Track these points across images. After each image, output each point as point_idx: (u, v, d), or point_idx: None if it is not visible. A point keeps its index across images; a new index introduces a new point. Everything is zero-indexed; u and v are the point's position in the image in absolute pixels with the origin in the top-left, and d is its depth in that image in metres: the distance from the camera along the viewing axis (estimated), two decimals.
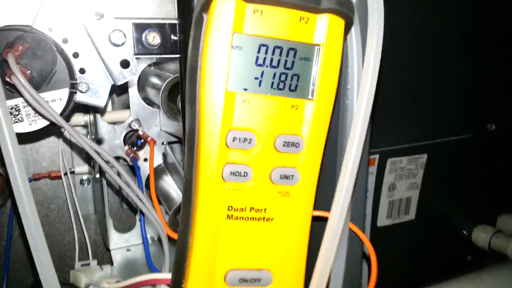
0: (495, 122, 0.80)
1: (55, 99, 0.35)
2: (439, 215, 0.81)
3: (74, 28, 0.34)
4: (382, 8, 0.29)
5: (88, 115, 0.50)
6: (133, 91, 0.49)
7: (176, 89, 0.42)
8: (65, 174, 0.54)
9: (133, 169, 0.53)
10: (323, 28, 0.29)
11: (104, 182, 0.51)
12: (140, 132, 0.49)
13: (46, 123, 0.35)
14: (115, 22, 0.34)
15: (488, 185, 0.84)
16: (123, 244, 0.53)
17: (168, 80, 0.40)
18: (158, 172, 0.52)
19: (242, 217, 0.30)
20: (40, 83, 0.34)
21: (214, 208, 0.30)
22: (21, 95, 0.32)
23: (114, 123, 0.49)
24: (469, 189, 0.83)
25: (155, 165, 0.52)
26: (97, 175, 0.55)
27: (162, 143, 0.52)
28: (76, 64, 0.35)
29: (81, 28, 0.34)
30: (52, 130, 0.55)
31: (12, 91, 0.34)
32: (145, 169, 0.50)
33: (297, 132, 0.30)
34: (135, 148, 0.50)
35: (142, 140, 0.49)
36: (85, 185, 0.59)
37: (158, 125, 0.51)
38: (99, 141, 0.50)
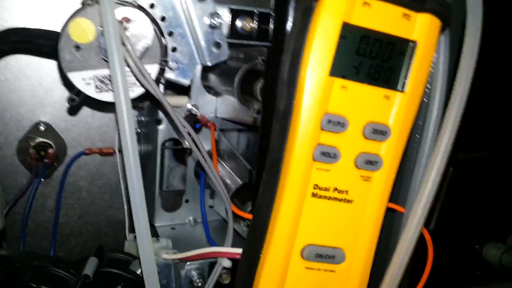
0: None
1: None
2: (455, 228, 0.83)
3: (174, 7, 0.36)
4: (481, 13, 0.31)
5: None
6: (197, 78, 0.51)
7: (249, 77, 0.44)
8: (119, 151, 0.55)
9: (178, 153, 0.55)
10: (422, 26, 0.31)
11: (158, 161, 0.53)
12: (199, 117, 0.51)
13: (137, 94, 0.37)
14: (214, 5, 0.36)
15: (504, 204, 0.87)
16: (168, 222, 0.55)
17: (246, 66, 0.42)
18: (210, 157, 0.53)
19: (326, 196, 0.32)
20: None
21: (301, 185, 0.31)
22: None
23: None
24: (486, 206, 0.85)
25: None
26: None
27: (215, 130, 0.54)
28: (170, 42, 0.37)
29: (180, 8, 0.36)
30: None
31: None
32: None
33: (386, 122, 0.32)
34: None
35: (200, 124, 0.51)
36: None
37: (213, 111, 0.53)
38: (158, 122, 0.52)
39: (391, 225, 0.38)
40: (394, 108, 0.32)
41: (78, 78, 0.36)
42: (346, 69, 0.31)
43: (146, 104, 0.55)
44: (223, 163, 0.53)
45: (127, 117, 0.30)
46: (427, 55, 0.32)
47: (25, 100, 0.56)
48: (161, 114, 0.51)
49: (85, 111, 0.58)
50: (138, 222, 0.32)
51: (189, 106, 0.51)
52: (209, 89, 0.53)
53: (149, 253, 0.32)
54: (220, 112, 0.52)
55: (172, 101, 0.52)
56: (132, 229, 0.55)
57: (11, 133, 0.56)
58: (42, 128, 0.56)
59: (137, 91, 0.37)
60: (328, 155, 0.32)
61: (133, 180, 0.31)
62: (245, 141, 0.54)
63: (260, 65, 0.43)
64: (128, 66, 0.34)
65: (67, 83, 0.37)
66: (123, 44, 0.33)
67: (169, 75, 0.38)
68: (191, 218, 0.56)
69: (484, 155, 0.81)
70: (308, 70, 0.30)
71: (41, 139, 0.56)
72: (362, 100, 0.31)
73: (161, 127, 0.52)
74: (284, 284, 0.32)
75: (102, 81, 0.36)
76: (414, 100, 0.32)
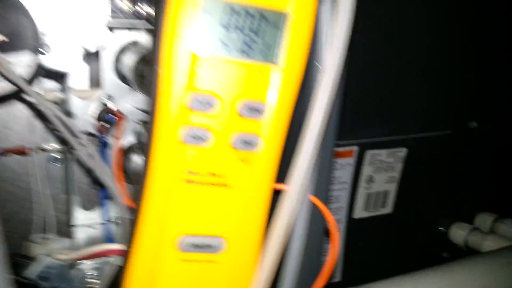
0: (476, 119, 0.81)
1: (19, 63, 0.34)
2: (416, 210, 0.81)
3: None
4: None
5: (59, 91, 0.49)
6: (106, 67, 0.48)
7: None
8: (37, 150, 0.53)
9: None
10: None
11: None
12: (113, 109, 0.48)
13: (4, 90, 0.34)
14: None
15: (468, 183, 0.85)
16: (87, 222, 0.52)
17: (143, 54, 0.40)
18: (128, 151, 0.51)
19: (199, 182, 0.30)
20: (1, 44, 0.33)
21: (170, 170, 0.29)
22: None
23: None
24: (448, 186, 0.83)
25: (126, 144, 0.51)
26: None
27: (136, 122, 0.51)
28: (43, 27, 0.34)
29: None
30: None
31: None
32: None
33: (261, 98, 0.30)
34: (108, 125, 0.49)
35: (114, 117, 0.48)
36: (57, 164, 0.58)
37: (133, 103, 0.50)
38: (68, 116, 0.49)
39: None
40: (270, 83, 0.30)
41: None
42: (212, 44, 0.28)
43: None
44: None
45: None
46: (304, 25, 0.29)
47: None
48: (73, 109, 0.48)
49: None
50: None
51: (102, 97, 0.49)
52: (126, 80, 0.50)
53: None
54: (139, 102, 0.50)
55: (83, 93, 0.49)
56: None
57: None
58: None
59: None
60: (198, 137, 0.29)
61: None
62: None
63: None
64: None
65: None
66: None
67: (46, 63, 0.35)
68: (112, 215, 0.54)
69: (441, 132, 0.79)
70: (169, 46, 0.28)
71: None
72: (233, 76, 0.29)
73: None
74: (157, 279, 0.30)
75: None
76: (292, 75, 0.30)
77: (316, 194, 0.35)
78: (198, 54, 0.28)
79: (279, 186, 0.31)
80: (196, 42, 0.28)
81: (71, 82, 0.48)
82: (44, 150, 0.55)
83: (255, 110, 0.29)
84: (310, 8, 0.29)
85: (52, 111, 0.34)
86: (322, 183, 0.36)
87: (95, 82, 0.51)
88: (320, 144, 0.31)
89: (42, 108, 0.33)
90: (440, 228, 0.86)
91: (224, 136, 0.29)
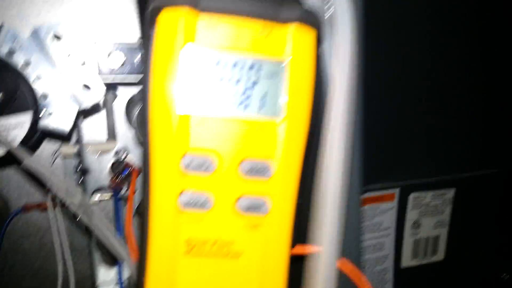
0: None
1: (17, 125, 0.33)
2: (472, 256, 0.74)
3: (35, 51, 0.32)
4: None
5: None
6: (120, 117, 0.46)
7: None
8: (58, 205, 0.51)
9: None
10: (289, 41, 0.25)
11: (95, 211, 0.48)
12: (130, 162, 0.46)
13: None
14: (75, 42, 0.32)
15: None
16: (112, 279, 0.48)
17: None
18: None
19: (203, 253, 0.26)
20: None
21: (169, 243, 0.26)
22: None
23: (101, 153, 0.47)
24: (506, 227, 0.75)
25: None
26: None
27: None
28: (39, 88, 0.33)
29: (41, 51, 0.32)
30: None
31: None
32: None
33: (265, 156, 0.26)
34: (120, 178, 0.46)
35: (129, 170, 0.46)
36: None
37: None
38: (84, 172, 0.47)
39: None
40: (275, 139, 0.26)
41: None
42: (203, 102, 0.25)
43: None
44: None
45: None
46: (305, 73, 0.26)
47: None
48: (87, 163, 0.47)
49: None
50: None
51: (116, 149, 0.46)
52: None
53: None
54: None
55: (98, 147, 0.47)
56: None
57: None
58: None
59: None
60: (197, 202, 0.26)
61: None
62: None
63: None
64: None
65: None
66: None
67: (45, 123, 0.33)
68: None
69: (491, 170, 0.72)
70: (154, 107, 0.25)
71: None
72: (230, 136, 0.26)
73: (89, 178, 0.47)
74: None
75: None
76: (298, 127, 0.26)
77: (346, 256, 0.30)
78: (190, 113, 0.25)
79: (299, 250, 0.27)
80: (182, 101, 0.25)
81: (86, 136, 0.47)
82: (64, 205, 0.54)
83: (260, 170, 0.26)
84: (309, 50, 0.26)
85: (45, 174, 0.32)
86: (351, 242, 0.31)
87: (111, 135, 0.49)
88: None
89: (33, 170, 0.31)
90: (503, 275, 0.78)
91: (227, 200, 0.26)
